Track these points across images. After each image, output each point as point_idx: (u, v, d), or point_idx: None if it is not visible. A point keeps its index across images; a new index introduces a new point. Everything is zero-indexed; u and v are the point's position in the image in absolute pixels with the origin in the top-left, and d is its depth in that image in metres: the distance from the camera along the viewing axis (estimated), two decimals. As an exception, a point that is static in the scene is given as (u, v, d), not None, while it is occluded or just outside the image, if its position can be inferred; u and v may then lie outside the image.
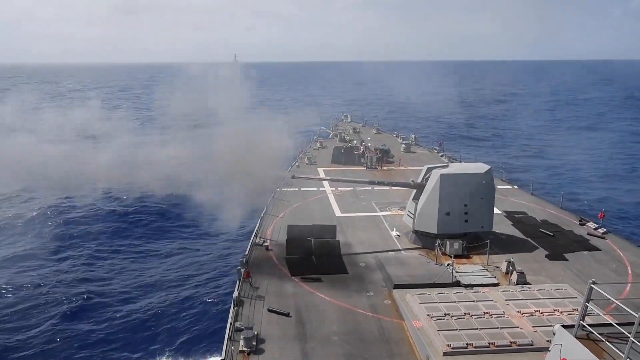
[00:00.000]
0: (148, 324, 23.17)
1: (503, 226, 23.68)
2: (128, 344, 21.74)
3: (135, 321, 23.43)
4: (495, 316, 14.59)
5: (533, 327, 14.02)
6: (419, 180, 21.51)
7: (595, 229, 23.42)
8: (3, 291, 25.90)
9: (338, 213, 26.00)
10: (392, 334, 14.57)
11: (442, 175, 20.39)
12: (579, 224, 24.41)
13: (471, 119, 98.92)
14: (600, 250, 21.15)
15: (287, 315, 15.32)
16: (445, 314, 14.62)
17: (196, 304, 24.87)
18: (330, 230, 21.94)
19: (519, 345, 13.15)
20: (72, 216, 38.45)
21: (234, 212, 20.69)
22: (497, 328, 13.89)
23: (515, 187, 31.84)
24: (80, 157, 20.67)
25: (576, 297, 15.82)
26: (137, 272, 28.54)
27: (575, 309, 14.86)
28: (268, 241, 21.26)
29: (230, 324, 14.61)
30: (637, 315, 7.99)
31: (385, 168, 36.55)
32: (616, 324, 8.63)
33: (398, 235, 22.58)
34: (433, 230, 20.51)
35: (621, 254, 20.71)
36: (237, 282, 17.37)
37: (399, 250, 21.11)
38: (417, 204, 21.09)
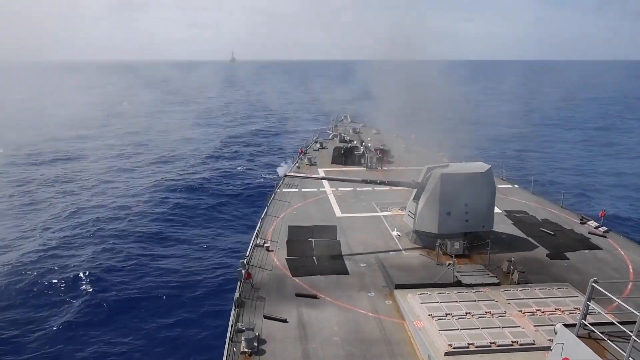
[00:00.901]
0: (148, 325, 23.15)
1: (504, 225, 23.65)
2: (127, 344, 21.72)
3: (135, 321, 23.42)
4: (496, 316, 14.58)
5: (534, 326, 14.01)
6: (419, 180, 21.51)
7: (596, 227, 23.39)
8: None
9: (338, 213, 25.97)
10: (393, 334, 14.54)
11: (442, 175, 20.37)
12: (580, 222, 24.39)
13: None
14: (601, 249, 21.12)
15: (284, 321, 15.10)
16: (446, 314, 14.61)
17: (196, 305, 24.82)
18: (331, 231, 21.86)
19: (520, 345, 13.13)
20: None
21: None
22: (499, 328, 13.88)
23: (516, 186, 31.85)
24: None
25: (577, 296, 15.80)
26: (137, 272, 28.51)
27: (576, 308, 14.85)
28: (269, 242, 21.22)
29: (231, 325, 14.59)
30: (638, 314, 7.98)
31: (385, 168, 36.55)
32: (618, 322, 8.62)
33: (399, 236, 22.55)
34: (434, 230, 20.47)
35: (622, 253, 20.68)
36: (238, 283, 17.32)
37: (400, 250, 21.07)
38: (417, 204, 21.05)
